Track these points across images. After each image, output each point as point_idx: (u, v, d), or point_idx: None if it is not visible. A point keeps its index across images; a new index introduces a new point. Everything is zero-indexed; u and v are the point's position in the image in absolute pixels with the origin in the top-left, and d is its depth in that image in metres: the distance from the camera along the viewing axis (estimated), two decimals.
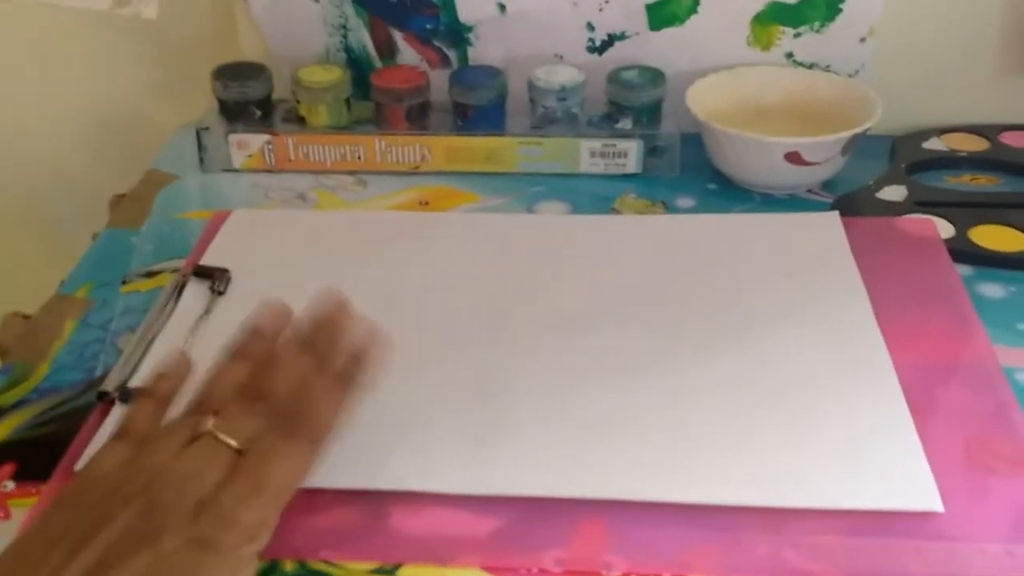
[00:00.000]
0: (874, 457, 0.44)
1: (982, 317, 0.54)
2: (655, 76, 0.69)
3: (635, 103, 0.69)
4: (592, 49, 0.73)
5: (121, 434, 0.41)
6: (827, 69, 0.72)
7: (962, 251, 0.59)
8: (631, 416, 0.47)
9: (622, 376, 0.49)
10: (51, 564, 0.34)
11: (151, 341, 0.52)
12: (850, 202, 0.65)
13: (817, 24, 0.71)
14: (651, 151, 0.69)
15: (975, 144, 0.71)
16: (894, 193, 0.65)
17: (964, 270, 0.58)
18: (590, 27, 0.72)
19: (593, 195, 0.68)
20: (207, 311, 0.54)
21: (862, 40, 0.71)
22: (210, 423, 0.40)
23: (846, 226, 0.61)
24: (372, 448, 0.45)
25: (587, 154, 0.70)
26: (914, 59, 0.72)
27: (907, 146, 0.71)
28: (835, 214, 0.62)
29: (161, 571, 0.35)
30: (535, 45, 0.74)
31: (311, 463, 0.41)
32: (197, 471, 0.38)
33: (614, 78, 0.69)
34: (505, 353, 0.51)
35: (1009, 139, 0.72)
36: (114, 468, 0.39)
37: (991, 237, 0.60)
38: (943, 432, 0.46)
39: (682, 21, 0.72)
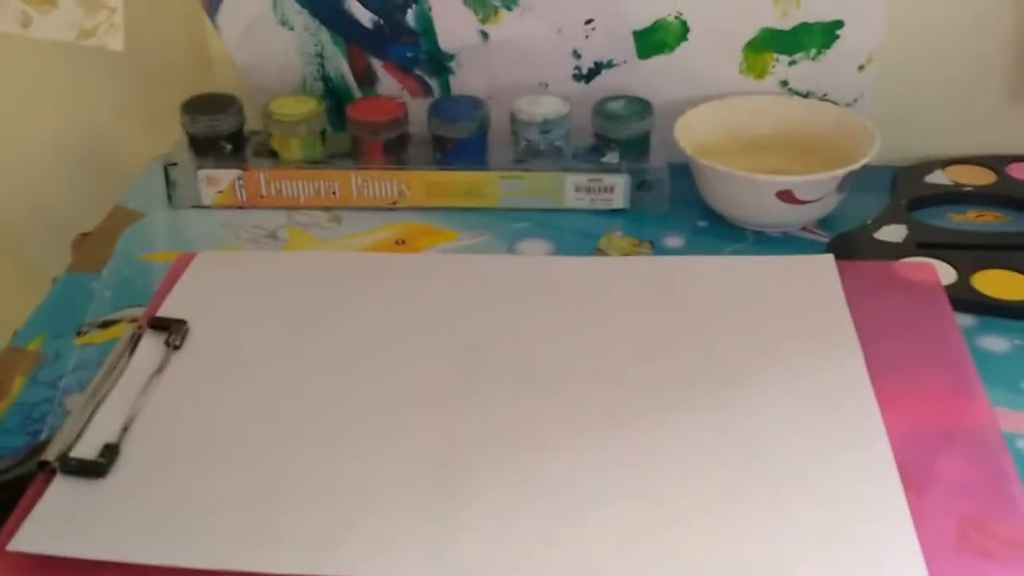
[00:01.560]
0: (861, 542, 0.41)
1: (984, 374, 0.50)
2: (642, 107, 0.66)
3: (621, 136, 0.66)
4: (579, 77, 0.70)
5: None
6: (824, 98, 0.69)
7: (964, 299, 0.56)
8: (601, 494, 0.44)
9: (595, 444, 0.46)
10: None
11: (99, 403, 0.49)
12: (847, 242, 0.62)
13: (813, 52, 0.67)
14: (639, 186, 0.66)
15: (981, 177, 0.68)
16: (894, 233, 0.62)
17: (966, 320, 0.55)
18: (576, 55, 0.69)
19: (578, 232, 0.65)
20: (160, 368, 0.51)
21: (860, 68, 0.67)
22: None
23: (842, 270, 0.58)
24: (321, 526, 0.42)
25: (572, 189, 0.67)
26: (916, 87, 0.69)
27: (908, 180, 0.67)
28: (829, 257, 0.58)
29: None
30: (520, 73, 0.71)
31: None
32: None
33: (599, 110, 0.66)
34: (475, 415, 0.48)
35: (1017, 171, 0.68)
36: None
37: (996, 283, 0.57)
38: (936, 509, 0.42)
39: (672, 49, 0.68)
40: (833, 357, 0.51)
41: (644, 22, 0.67)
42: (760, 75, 0.69)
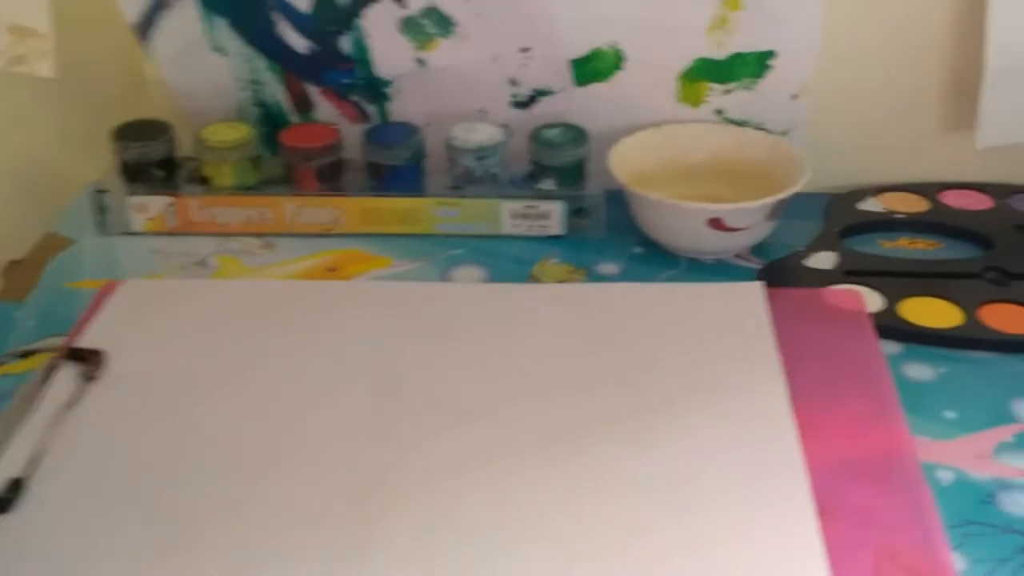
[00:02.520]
0: (772, 574, 0.40)
1: (908, 402, 0.50)
2: (577, 135, 0.66)
3: (557, 163, 0.66)
4: (517, 104, 0.70)
5: None
6: (759, 126, 0.69)
7: (891, 326, 0.56)
8: (513, 528, 0.43)
9: (511, 476, 0.46)
10: None
11: (9, 435, 0.48)
12: (778, 270, 0.62)
13: (747, 81, 0.68)
14: (575, 212, 0.66)
15: (914, 204, 0.68)
16: (824, 260, 0.62)
17: (893, 348, 0.55)
18: (513, 83, 0.69)
19: (514, 259, 0.65)
20: (75, 401, 0.50)
21: (794, 97, 0.68)
22: None
23: (771, 297, 0.58)
24: (227, 567, 0.41)
25: (508, 216, 0.66)
26: (850, 116, 0.69)
27: (841, 207, 0.68)
28: (758, 285, 0.59)
29: None
30: (457, 100, 0.71)
31: None
32: None
33: (535, 137, 0.66)
34: (393, 448, 0.48)
35: (950, 198, 0.69)
36: None
37: (923, 311, 0.57)
38: (852, 540, 0.42)
39: (608, 77, 0.69)
40: (756, 386, 0.51)
41: (580, 51, 0.68)
42: (695, 104, 0.69)
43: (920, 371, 0.53)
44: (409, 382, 0.52)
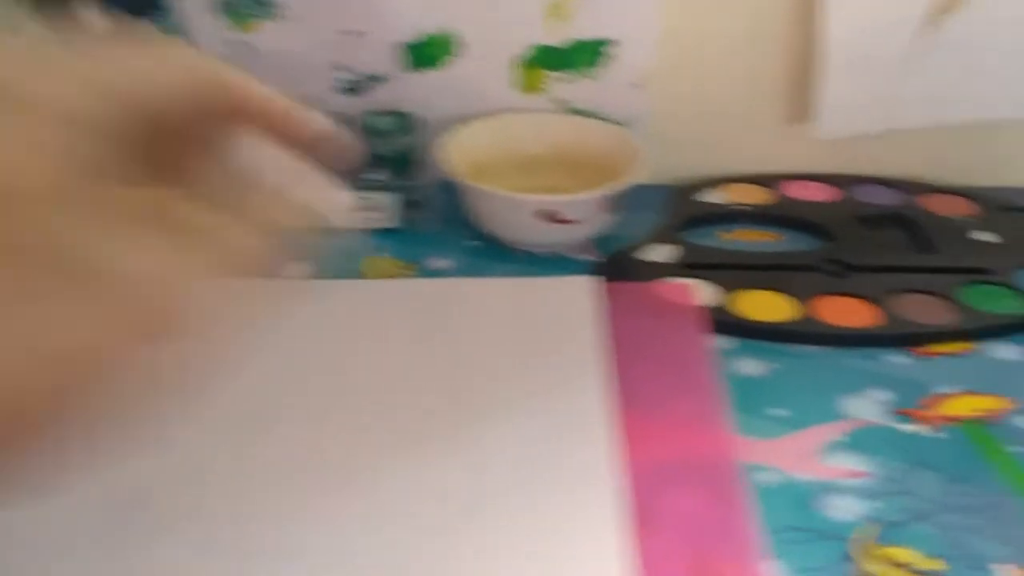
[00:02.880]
0: None
1: (739, 399, 0.48)
2: (407, 122, 0.63)
3: (387, 152, 0.62)
4: (348, 91, 0.66)
5: None
6: (601, 116, 0.67)
7: (725, 321, 0.54)
8: (299, 546, 0.39)
9: (304, 488, 0.42)
10: None
11: None
12: (615, 263, 0.59)
13: (587, 69, 0.65)
14: (408, 204, 0.62)
15: (757, 195, 0.67)
16: (663, 253, 0.60)
17: (727, 343, 0.53)
18: (344, 68, 0.65)
19: (342, 254, 0.61)
20: None
21: (635, 86, 0.66)
22: None
23: (606, 292, 0.55)
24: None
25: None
26: (693, 106, 0.68)
27: (682, 199, 0.66)
28: (587, 279, 0.56)
29: None
30: (286, 85, 0.66)
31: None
32: None
33: (363, 124, 0.62)
34: (184, 456, 0.43)
35: (792, 190, 0.68)
36: None
37: (758, 304, 0.55)
38: (667, 549, 0.40)
39: (442, 63, 0.65)
40: (575, 387, 0.48)
41: (413, 35, 0.64)
42: (535, 92, 0.66)
43: (752, 367, 0.51)
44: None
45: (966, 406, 0.48)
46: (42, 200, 0.23)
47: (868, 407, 0.48)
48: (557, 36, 0.64)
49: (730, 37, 0.65)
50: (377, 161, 0.62)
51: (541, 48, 0.64)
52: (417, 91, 0.66)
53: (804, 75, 0.66)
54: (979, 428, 0.47)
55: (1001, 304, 0.55)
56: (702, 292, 0.56)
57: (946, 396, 0.49)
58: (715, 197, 0.66)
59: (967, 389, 0.49)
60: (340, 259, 0.60)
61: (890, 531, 0.41)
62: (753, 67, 0.66)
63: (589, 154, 0.64)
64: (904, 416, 0.48)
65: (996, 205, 0.65)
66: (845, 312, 0.54)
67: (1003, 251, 0.60)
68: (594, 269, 0.59)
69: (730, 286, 0.56)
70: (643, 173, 0.59)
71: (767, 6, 0.64)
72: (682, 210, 0.65)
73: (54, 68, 0.24)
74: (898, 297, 0.55)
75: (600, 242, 0.62)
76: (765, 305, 0.55)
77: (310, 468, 0.43)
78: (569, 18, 0.63)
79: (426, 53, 0.64)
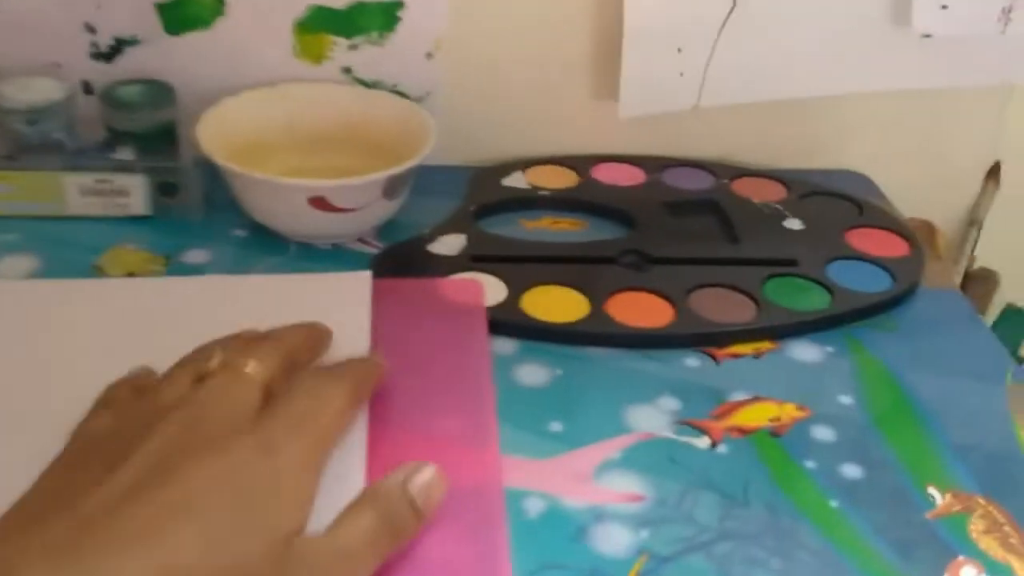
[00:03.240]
0: None
1: (514, 412, 0.43)
2: (161, 93, 0.55)
3: (135, 127, 0.54)
4: (98, 56, 0.57)
5: (102, 404, 0.37)
6: (394, 89, 0.60)
7: (510, 322, 0.48)
8: None
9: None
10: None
11: None
12: (397, 255, 0.53)
13: (374, 35, 0.58)
14: (163, 188, 0.55)
15: (564, 179, 0.62)
16: (451, 244, 0.54)
17: (510, 346, 0.48)
18: (90, 29, 0.56)
19: (83, 246, 0.52)
20: None
21: (429, 56, 0.59)
22: (219, 357, 0.36)
23: (387, 289, 0.49)
24: None
25: (76, 192, 0.54)
26: (493, 80, 0.62)
27: (481, 184, 0.60)
28: (365, 275, 0.49)
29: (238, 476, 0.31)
30: (28, 51, 0.57)
31: (354, 412, 0.38)
32: (227, 398, 0.34)
33: (108, 96, 0.54)
34: None
35: (601, 173, 0.63)
36: (112, 421, 0.35)
37: (547, 303, 0.50)
38: None
39: (207, 24, 0.57)
40: None
41: None
42: (318, 60, 0.59)
43: (533, 374, 0.46)
44: None
45: (758, 415, 0.45)
46: None
47: (655, 418, 0.44)
48: None
49: (531, 5, 0.60)
50: (124, 138, 0.54)
51: (320, 9, 0.57)
52: (178, 58, 0.58)
53: (609, 50, 0.61)
54: (769, 440, 0.43)
55: (804, 300, 0.52)
56: (489, 289, 0.51)
57: (739, 404, 0.45)
58: (517, 181, 0.61)
59: (758, 395, 0.46)
60: (79, 253, 0.52)
61: (660, 567, 0.37)
62: (558, 39, 0.61)
63: (380, 132, 0.57)
64: (689, 428, 0.44)
65: (806, 190, 0.62)
66: (640, 310, 0.50)
67: (810, 241, 0.57)
68: (371, 263, 0.52)
69: (520, 282, 0.51)
70: (434, 153, 0.53)
71: None
72: (480, 195, 0.59)
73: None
74: (698, 293, 0.51)
75: (384, 232, 0.55)
76: (556, 303, 0.50)
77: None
78: None
79: (188, 12, 0.56)
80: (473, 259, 0.53)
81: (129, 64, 0.57)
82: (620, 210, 0.59)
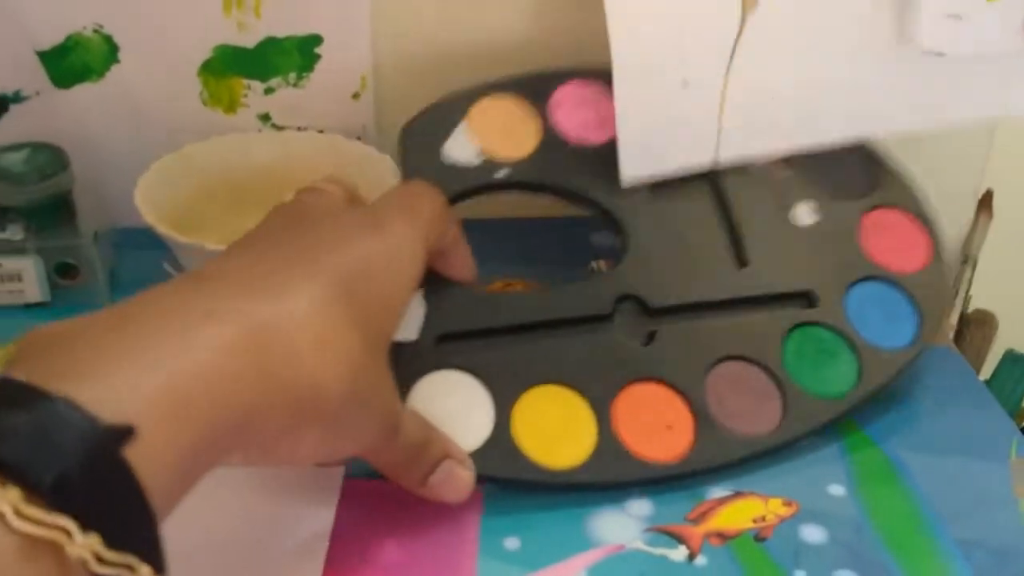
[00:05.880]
0: None
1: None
2: (51, 158, 0.48)
3: (22, 201, 0.47)
4: None
5: None
6: (321, 131, 0.54)
7: (507, 477, 0.39)
8: None
9: None
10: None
11: None
12: None
13: (292, 76, 0.52)
14: (60, 270, 0.48)
15: (520, 133, 0.47)
16: (408, 317, 0.48)
17: None
18: None
19: None
20: None
21: (355, 96, 0.53)
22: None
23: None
24: None
25: None
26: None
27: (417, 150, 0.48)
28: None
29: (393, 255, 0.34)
30: None
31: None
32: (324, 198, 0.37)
33: None
34: None
35: (563, 113, 0.55)
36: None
37: (547, 424, 0.40)
38: None
39: (100, 74, 0.50)
40: None
41: (52, 38, 0.49)
42: (231, 108, 0.53)
43: None
44: None
45: (740, 515, 0.39)
46: None
47: (624, 526, 0.39)
48: (246, 35, 0.50)
49: (471, 31, 0.53)
50: (11, 214, 0.47)
51: (227, 49, 0.50)
52: (74, 113, 0.51)
53: None
54: (753, 547, 0.38)
55: (830, 372, 0.43)
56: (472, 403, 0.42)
57: (720, 502, 0.40)
58: (462, 147, 0.48)
59: (739, 491, 0.40)
60: None
61: None
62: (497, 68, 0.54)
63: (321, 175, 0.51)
64: (664, 536, 0.38)
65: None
66: (653, 420, 0.41)
67: (825, 247, 0.46)
68: None
69: (506, 387, 0.41)
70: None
71: None
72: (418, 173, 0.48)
73: None
74: (714, 374, 0.43)
75: None
76: (555, 423, 0.41)
77: None
78: (257, 10, 0.49)
79: (75, 61, 0.49)
80: (439, 340, 0.43)
81: (12, 126, 0.51)
82: (597, 203, 0.47)
